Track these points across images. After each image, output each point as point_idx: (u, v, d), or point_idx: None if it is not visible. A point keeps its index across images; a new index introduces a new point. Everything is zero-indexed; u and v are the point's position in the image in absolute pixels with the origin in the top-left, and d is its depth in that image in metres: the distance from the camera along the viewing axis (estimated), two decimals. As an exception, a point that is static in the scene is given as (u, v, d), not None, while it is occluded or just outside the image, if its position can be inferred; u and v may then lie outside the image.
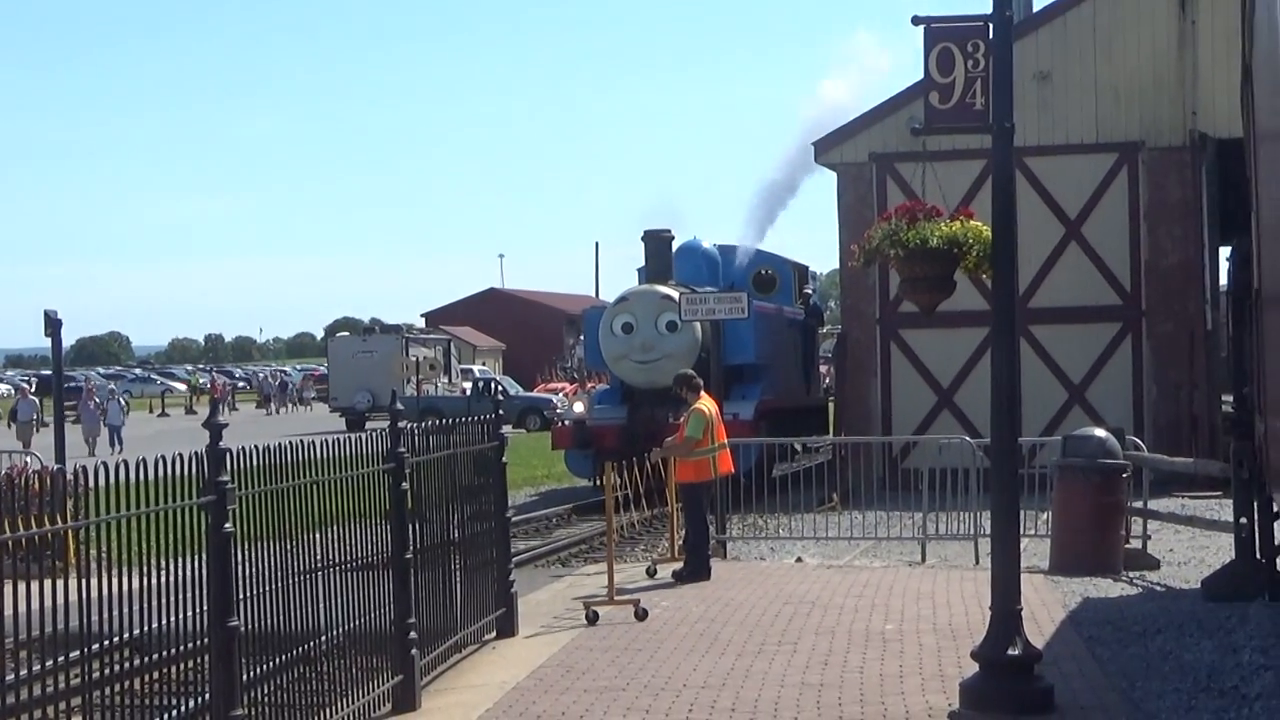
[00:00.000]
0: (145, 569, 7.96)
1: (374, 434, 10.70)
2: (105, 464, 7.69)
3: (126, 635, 7.89)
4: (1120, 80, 26.58)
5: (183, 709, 8.59)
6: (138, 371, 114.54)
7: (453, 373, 67.43)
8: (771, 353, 29.58)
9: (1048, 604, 13.84)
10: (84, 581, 7.58)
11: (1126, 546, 16.51)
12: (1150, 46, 26.53)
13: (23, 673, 7.40)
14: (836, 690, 10.56)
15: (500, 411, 13.67)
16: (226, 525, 8.23)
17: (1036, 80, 26.36)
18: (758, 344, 28.30)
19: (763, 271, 31.93)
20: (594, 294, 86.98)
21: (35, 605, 7.44)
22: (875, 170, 27.22)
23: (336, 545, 9.96)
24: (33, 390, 61.52)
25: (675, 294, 27.04)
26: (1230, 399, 16.23)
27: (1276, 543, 13.97)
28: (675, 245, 29.42)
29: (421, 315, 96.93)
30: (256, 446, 8.92)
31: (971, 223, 10.46)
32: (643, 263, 29.70)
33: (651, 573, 16.47)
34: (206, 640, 8.30)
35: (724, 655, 11.89)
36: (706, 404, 16.24)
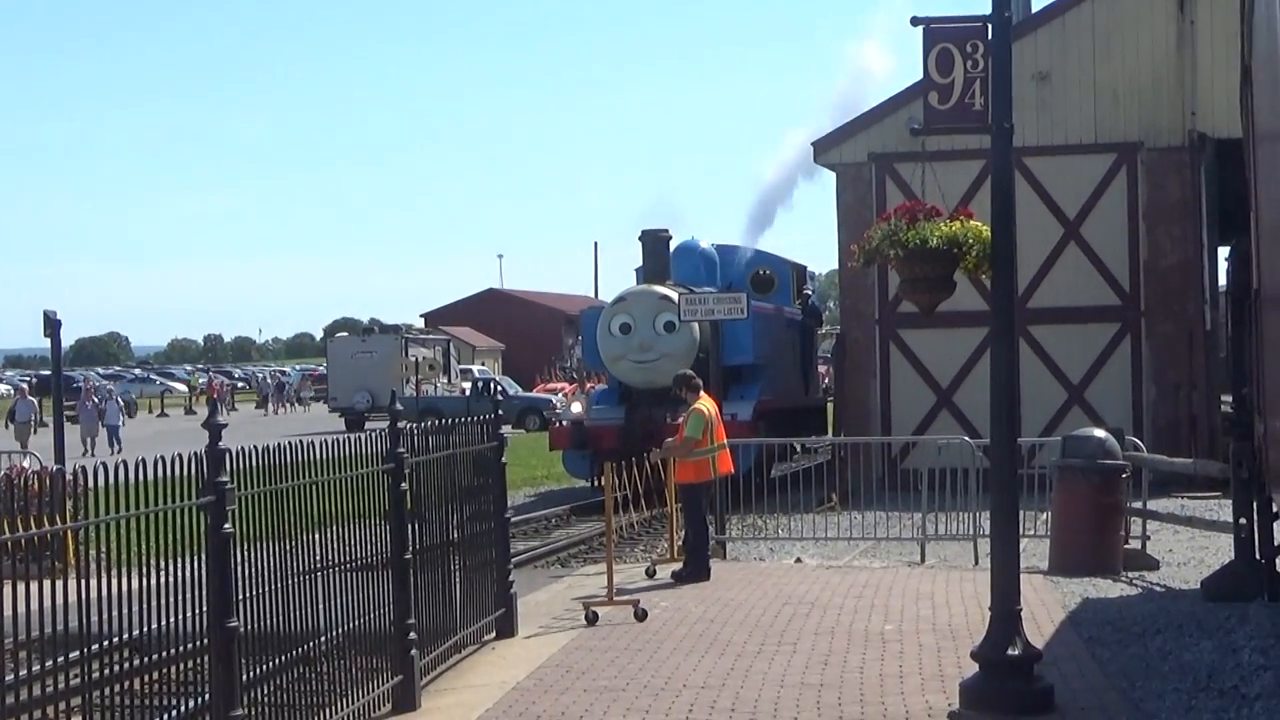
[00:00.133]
0: (145, 569, 7.96)
1: (373, 434, 10.70)
2: (104, 464, 7.69)
3: (126, 636, 7.89)
4: (1119, 81, 26.59)
5: (182, 709, 8.58)
6: (137, 372, 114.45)
7: (452, 373, 67.47)
8: (770, 353, 29.56)
9: (1047, 604, 13.84)
10: (83, 582, 7.58)
11: (1126, 547, 16.51)
12: (1149, 47, 26.54)
13: (22, 673, 7.40)
14: (836, 690, 10.56)
15: (499, 412, 13.67)
16: (226, 526, 8.23)
17: (1035, 81, 26.37)
18: (756, 344, 28.28)
19: (761, 271, 31.88)
20: (593, 294, 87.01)
21: (35, 606, 7.44)
22: (874, 170, 27.22)
23: (336, 546, 9.96)
24: (31, 390, 61.49)
25: (673, 294, 27.03)
26: (1229, 399, 16.23)
27: (1276, 543, 13.97)
28: (673, 245, 29.42)
29: (421, 315, 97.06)
30: (256, 447, 8.92)
31: (971, 223, 10.44)
32: (640, 263, 29.69)
33: (651, 573, 16.47)
34: (206, 641, 8.30)
35: (723, 656, 11.88)
36: (706, 404, 16.23)
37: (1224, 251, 26.75)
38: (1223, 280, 23.66)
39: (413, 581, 10.88)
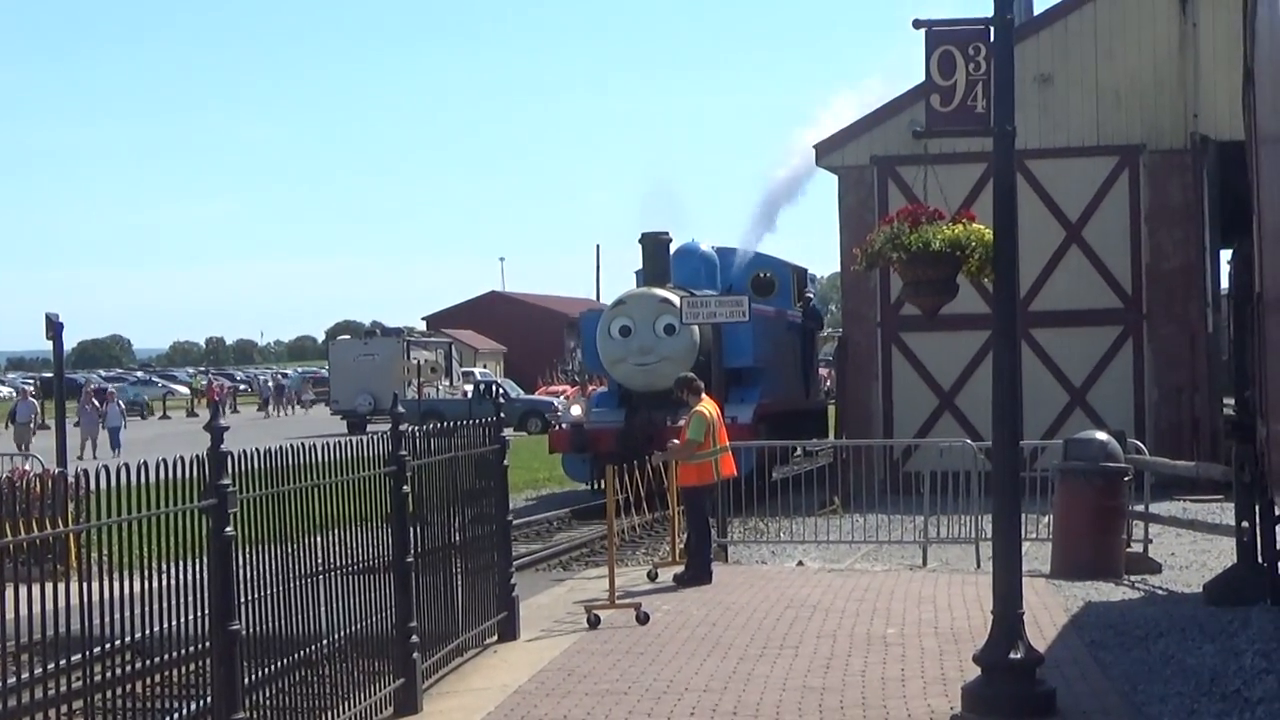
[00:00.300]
0: (147, 572, 7.96)
1: (375, 437, 10.70)
2: (106, 467, 7.68)
3: (128, 639, 7.88)
4: (1121, 83, 26.58)
5: (184, 712, 8.57)
6: (139, 374, 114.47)
7: (454, 375, 67.57)
8: (770, 356, 29.53)
9: (1049, 608, 13.83)
10: (85, 585, 7.58)
11: (1128, 550, 16.50)
12: (1151, 49, 26.53)
13: (24, 676, 7.39)
14: (838, 694, 10.55)
15: (501, 414, 13.67)
16: (228, 529, 8.22)
17: (1037, 83, 26.36)
18: (756, 347, 28.24)
19: (761, 274, 31.85)
20: (595, 297, 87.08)
21: (37, 609, 7.43)
22: (876, 173, 27.20)
23: (338, 548, 9.96)
24: (33, 392, 61.49)
25: (673, 297, 27.03)
26: (1231, 402, 16.23)
27: (1278, 547, 13.96)
28: (673, 247, 29.38)
29: (423, 318, 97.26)
30: (258, 450, 8.91)
31: (974, 226, 10.43)
32: (640, 265, 29.66)
33: (653, 576, 16.46)
34: (208, 644, 8.29)
35: (726, 659, 11.88)
36: (708, 407, 16.22)
37: (1226, 254, 26.71)
38: (1225, 283, 23.68)
39: (415, 584, 10.87)
